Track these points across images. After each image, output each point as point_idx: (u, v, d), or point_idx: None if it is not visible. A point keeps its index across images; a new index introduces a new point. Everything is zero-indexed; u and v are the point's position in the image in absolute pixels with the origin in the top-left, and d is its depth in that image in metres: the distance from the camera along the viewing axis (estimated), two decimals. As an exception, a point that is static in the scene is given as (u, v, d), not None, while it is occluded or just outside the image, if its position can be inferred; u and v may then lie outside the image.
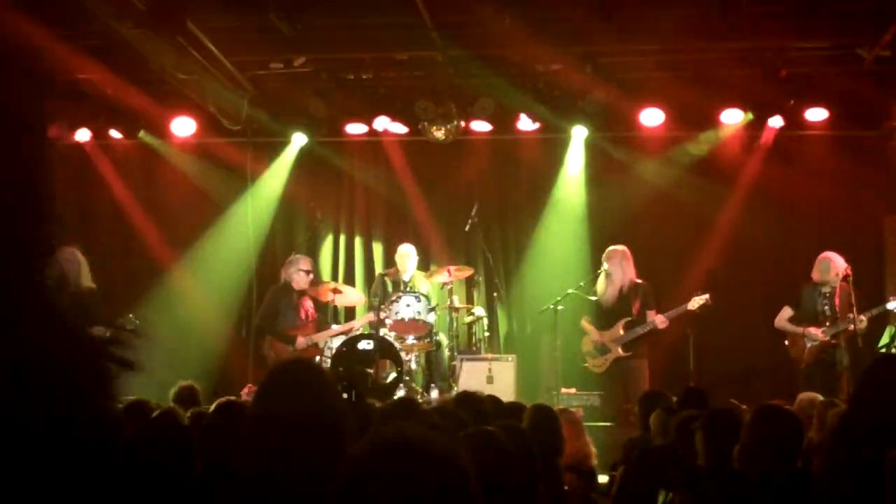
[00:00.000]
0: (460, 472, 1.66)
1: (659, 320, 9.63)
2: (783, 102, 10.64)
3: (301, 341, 10.14)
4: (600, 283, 9.88)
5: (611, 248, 9.97)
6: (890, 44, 9.58)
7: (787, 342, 9.79)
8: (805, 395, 6.70)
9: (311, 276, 10.43)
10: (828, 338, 9.35)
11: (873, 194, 11.20)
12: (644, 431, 6.14)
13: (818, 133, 11.12)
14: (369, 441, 1.68)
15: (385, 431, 1.72)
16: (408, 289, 10.39)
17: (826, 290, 9.48)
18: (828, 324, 9.41)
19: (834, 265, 9.42)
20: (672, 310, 9.73)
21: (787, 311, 9.72)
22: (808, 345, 9.46)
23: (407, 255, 10.68)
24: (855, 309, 9.04)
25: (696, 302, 9.65)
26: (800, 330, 9.54)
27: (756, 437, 3.88)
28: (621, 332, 9.64)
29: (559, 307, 10.21)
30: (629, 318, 9.67)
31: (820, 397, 6.47)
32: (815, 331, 9.44)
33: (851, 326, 9.11)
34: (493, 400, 6.13)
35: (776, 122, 10.96)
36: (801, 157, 11.22)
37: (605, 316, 9.80)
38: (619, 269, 9.78)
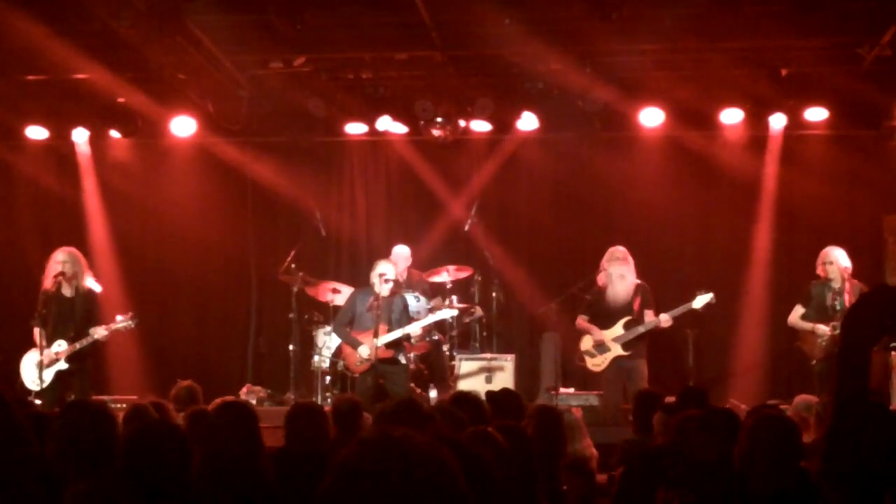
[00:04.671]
0: (446, 472, 1.66)
1: (663, 319, 9.51)
2: (783, 102, 10.64)
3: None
4: (611, 283, 9.68)
5: (617, 248, 9.80)
6: (890, 43, 9.59)
7: (798, 340, 9.63)
8: (801, 398, 6.69)
9: (389, 283, 9.29)
10: (836, 333, 9.19)
11: (873, 194, 11.20)
12: (639, 433, 6.12)
13: (818, 133, 11.13)
14: (356, 443, 1.69)
15: (371, 433, 1.72)
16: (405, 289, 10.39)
17: (836, 285, 9.34)
18: (837, 319, 9.25)
19: (832, 260, 9.33)
20: (676, 308, 9.57)
21: (798, 309, 9.56)
22: (819, 341, 9.33)
23: (397, 254, 10.63)
24: None
25: (700, 301, 9.49)
26: (809, 326, 9.43)
27: (755, 444, 3.89)
28: (622, 330, 9.57)
29: (558, 307, 10.21)
30: (630, 318, 9.59)
31: (815, 399, 6.46)
32: (824, 327, 9.33)
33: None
34: (508, 394, 6.14)
35: (776, 121, 10.98)
36: (801, 157, 11.23)
37: (606, 315, 9.68)
38: (628, 269, 9.69)
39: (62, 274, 9.11)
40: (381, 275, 9.23)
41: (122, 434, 3.77)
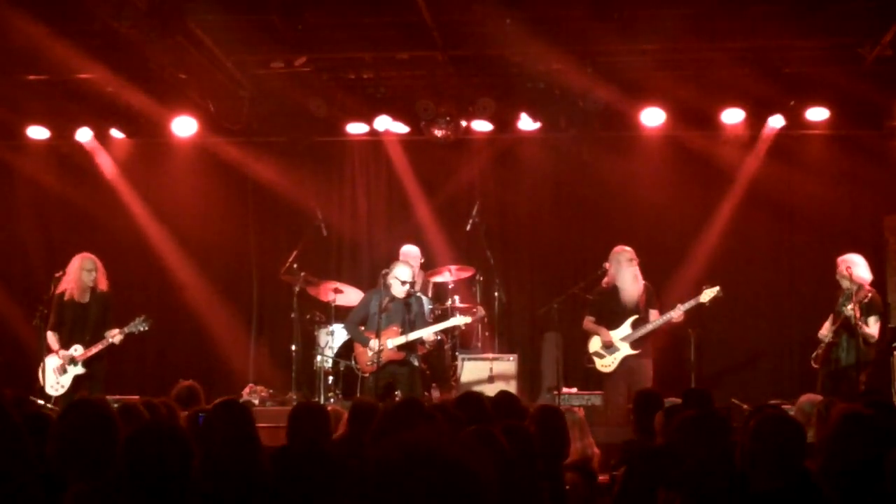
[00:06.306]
0: (482, 483, 1.66)
1: (676, 313, 9.48)
2: (783, 102, 10.64)
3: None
4: (624, 284, 9.68)
5: (625, 249, 9.67)
6: (890, 43, 9.58)
7: None
8: (806, 398, 6.68)
9: (406, 286, 9.29)
10: (829, 337, 9.20)
11: (873, 194, 11.20)
12: (639, 433, 6.12)
13: (818, 132, 11.12)
14: (393, 449, 1.68)
15: (408, 439, 1.71)
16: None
17: (848, 291, 9.33)
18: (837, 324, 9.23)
19: (839, 268, 9.32)
20: (684, 304, 9.51)
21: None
22: (820, 345, 9.35)
23: (411, 255, 10.61)
24: (857, 308, 8.92)
25: (707, 294, 9.45)
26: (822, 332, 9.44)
27: (758, 444, 3.89)
28: (630, 329, 9.53)
29: (559, 306, 10.20)
30: (638, 316, 9.54)
31: (818, 398, 6.45)
32: (823, 331, 9.36)
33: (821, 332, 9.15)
34: (506, 396, 6.13)
35: (776, 121, 10.97)
36: (801, 157, 11.22)
37: (612, 315, 9.63)
38: (638, 270, 9.66)
39: (71, 278, 9.21)
40: (388, 274, 9.28)
41: (123, 434, 3.76)
